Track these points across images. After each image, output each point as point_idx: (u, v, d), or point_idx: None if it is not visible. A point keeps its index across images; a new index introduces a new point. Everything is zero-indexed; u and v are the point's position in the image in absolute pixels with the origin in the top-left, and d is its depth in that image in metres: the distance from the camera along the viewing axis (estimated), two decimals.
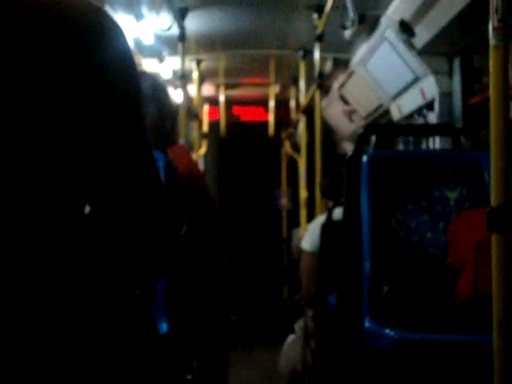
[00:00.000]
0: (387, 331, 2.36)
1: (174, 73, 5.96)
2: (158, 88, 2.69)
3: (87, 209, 1.00)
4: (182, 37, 4.61)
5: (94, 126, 0.96)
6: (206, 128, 7.92)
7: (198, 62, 6.33)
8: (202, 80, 6.77)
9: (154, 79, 2.75)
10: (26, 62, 0.92)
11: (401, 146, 5.15)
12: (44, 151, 0.93)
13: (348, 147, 6.95)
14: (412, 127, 4.00)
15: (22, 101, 0.92)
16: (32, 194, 0.93)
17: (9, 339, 0.89)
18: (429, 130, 3.70)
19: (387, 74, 4.75)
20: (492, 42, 1.65)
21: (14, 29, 0.91)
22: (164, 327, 2.21)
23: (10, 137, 0.91)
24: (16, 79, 0.92)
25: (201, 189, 2.78)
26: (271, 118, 8.39)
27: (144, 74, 2.78)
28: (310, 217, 5.23)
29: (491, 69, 1.66)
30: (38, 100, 0.92)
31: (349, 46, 5.22)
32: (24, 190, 0.92)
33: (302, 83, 6.07)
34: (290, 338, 5.24)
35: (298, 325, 5.13)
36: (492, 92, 1.66)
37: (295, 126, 7.25)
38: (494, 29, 1.65)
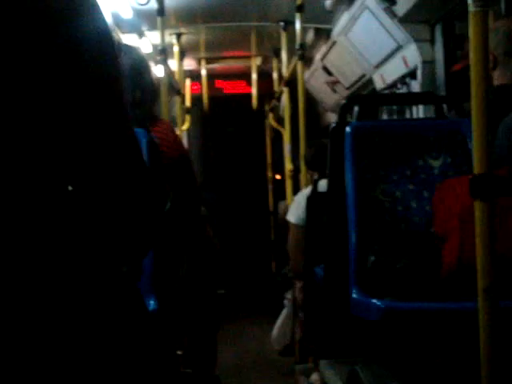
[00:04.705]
0: (374, 301, 2.36)
1: (154, 47, 5.90)
2: (140, 62, 2.65)
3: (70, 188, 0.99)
4: (161, 10, 4.54)
5: (70, 102, 0.94)
6: (188, 103, 7.87)
7: (179, 36, 6.27)
8: (182, 54, 6.71)
9: (136, 53, 2.71)
10: None
11: (385, 116, 5.14)
12: (21, 131, 0.91)
13: (332, 118, 6.93)
14: (394, 96, 3.99)
15: None
16: (12, 176, 0.91)
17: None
18: (411, 99, 3.69)
19: (369, 43, 4.73)
20: (471, 8, 1.64)
21: None
22: (152, 304, 2.20)
23: None
24: None
25: (189, 167, 2.77)
26: (254, 90, 8.34)
27: (126, 46, 2.73)
28: (296, 189, 5.23)
29: (471, 35, 1.65)
30: (10, 79, 0.90)
31: (330, 16, 5.19)
32: (3, 172, 0.91)
33: (283, 55, 6.03)
34: (283, 313, 5.26)
35: (287, 298, 5.15)
36: (472, 58, 1.64)
37: (278, 99, 7.22)
38: None
